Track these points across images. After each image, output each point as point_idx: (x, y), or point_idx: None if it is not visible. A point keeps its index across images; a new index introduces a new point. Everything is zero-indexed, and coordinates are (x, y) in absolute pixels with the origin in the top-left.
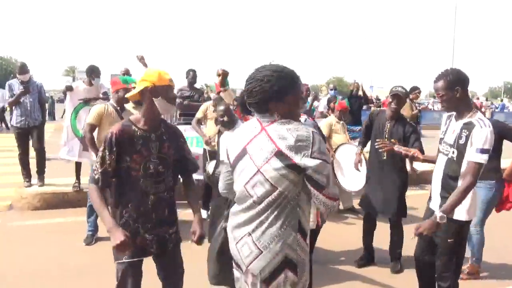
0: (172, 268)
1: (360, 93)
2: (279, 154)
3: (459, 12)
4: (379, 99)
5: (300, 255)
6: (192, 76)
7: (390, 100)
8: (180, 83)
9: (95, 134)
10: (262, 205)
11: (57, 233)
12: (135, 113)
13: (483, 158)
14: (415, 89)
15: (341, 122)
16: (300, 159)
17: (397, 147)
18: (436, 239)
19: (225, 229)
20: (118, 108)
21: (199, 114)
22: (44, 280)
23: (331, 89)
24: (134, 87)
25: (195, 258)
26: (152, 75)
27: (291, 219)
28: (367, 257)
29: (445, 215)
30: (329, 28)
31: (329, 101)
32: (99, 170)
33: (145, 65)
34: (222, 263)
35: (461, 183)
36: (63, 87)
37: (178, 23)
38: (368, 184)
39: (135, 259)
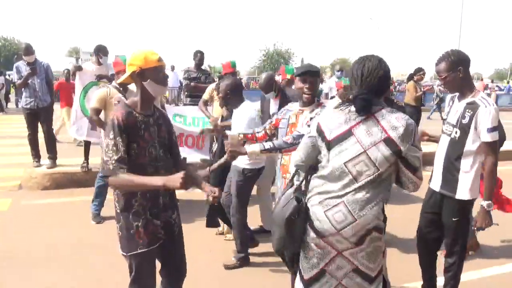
0: (179, 254)
1: None
2: (389, 141)
3: None
4: None
5: (382, 220)
6: (199, 57)
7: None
8: (185, 64)
9: (102, 116)
10: (361, 182)
11: (67, 212)
12: None
13: (495, 136)
14: (419, 70)
15: None
16: (405, 147)
17: None
18: (443, 218)
19: (296, 198)
20: (121, 89)
21: (205, 96)
22: (56, 257)
23: (338, 71)
24: None
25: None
26: (137, 58)
27: (382, 194)
28: None
29: (491, 202)
30: (333, 8)
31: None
32: (115, 158)
33: None
34: (290, 229)
35: (485, 168)
36: (69, 68)
37: (183, 3)
38: None
39: (150, 248)
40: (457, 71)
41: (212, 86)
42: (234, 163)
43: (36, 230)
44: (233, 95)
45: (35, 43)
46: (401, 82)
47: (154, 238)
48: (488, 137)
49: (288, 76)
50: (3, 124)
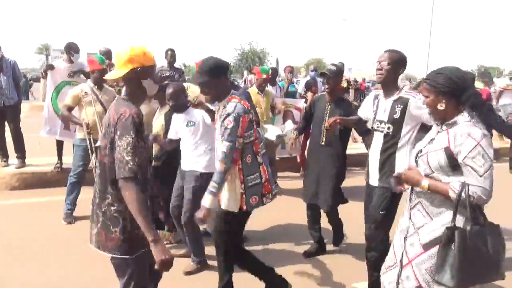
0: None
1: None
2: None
3: None
4: (357, 81)
5: None
6: (171, 55)
7: (324, 80)
8: (159, 63)
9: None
10: None
11: (38, 211)
12: (113, 91)
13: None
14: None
15: None
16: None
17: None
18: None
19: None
20: (95, 87)
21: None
22: (28, 256)
23: (312, 71)
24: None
25: None
26: (139, 55)
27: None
28: (316, 247)
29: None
30: (307, 9)
31: (308, 85)
32: (136, 161)
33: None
34: None
35: None
36: (38, 66)
37: (157, 0)
38: (306, 172)
39: (148, 248)
40: (398, 68)
41: (186, 84)
42: (190, 167)
43: (7, 229)
44: (178, 102)
45: (3, 39)
46: (374, 82)
47: (146, 239)
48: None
49: (264, 76)
50: None
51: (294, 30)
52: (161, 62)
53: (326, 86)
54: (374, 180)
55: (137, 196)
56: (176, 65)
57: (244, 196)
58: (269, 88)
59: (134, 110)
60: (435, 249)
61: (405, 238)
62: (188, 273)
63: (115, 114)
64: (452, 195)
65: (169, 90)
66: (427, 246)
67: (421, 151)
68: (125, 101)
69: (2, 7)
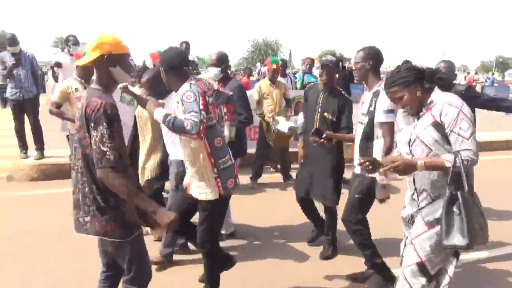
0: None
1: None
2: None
3: None
4: None
5: None
6: (185, 48)
7: (320, 71)
8: None
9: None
10: None
11: (56, 202)
12: None
13: (390, 118)
14: (406, 62)
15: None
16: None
17: (325, 136)
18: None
19: None
20: (83, 80)
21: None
22: (49, 244)
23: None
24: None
25: None
26: (108, 42)
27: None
28: (316, 232)
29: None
30: (321, 1)
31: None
32: (112, 150)
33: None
34: None
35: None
36: (54, 59)
37: None
38: (302, 165)
39: (140, 230)
40: (366, 62)
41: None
42: (173, 156)
43: (26, 220)
44: (156, 86)
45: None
46: (387, 74)
47: (137, 223)
48: (382, 118)
49: (274, 66)
50: None
51: (308, 21)
52: None
53: (324, 77)
54: (357, 169)
55: (120, 181)
56: (190, 57)
57: (219, 180)
58: (280, 79)
59: (105, 99)
60: (438, 228)
61: (411, 223)
62: (153, 262)
63: (86, 105)
64: (448, 165)
65: (143, 79)
66: (430, 225)
67: (410, 140)
68: (96, 90)
69: (20, 0)
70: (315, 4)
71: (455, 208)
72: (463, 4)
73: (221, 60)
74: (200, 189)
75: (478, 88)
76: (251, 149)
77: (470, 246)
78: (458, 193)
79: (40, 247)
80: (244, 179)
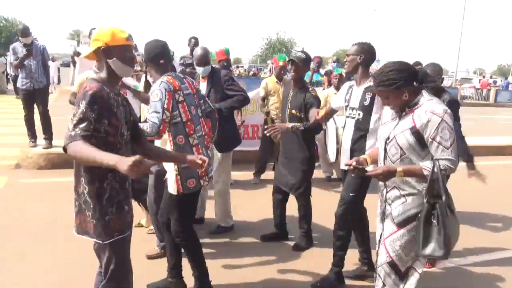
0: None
1: None
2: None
3: None
4: None
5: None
6: (194, 43)
7: (288, 68)
8: (182, 51)
9: None
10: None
11: (63, 191)
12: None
13: None
14: (417, 64)
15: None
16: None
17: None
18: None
19: None
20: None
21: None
22: (55, 232)
23: (334, 62)
24: None
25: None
26: (104, 34)
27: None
28: (275, 232)
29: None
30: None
31: (326, 74)
32: (80, 126)
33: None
34: None
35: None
36: (70, 51)
37: None
38: (280, 155)
39: (126, 234)
40: (358, 56)
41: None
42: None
43: (33, 207)
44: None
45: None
46: None
47: (126, 224)
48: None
49: (281, 63)
50: (1, 103)
51: (322, 20)
52: (185, 50)
53: (292, 73)
54: (346, 161)
55: (80, 147)
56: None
57: (178, 177)
58: (287, 77)
59: (93, 85)
60: (409, 226)
61: (383, 220)
62: (149, 257)
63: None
64: (426, 173)
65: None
66: (401, 225)
67: (388, 138)
68: (93, 80)
69: None
70: (331, 2)
71: (433, 219)
72: (480, 6)
73: (202, 60)
74: (168, 181)
75: (492, 93)
76: (255, 147)
77: (446, 257)
78: (436, 205)
79: (48, 235)
80: (247, 175)
